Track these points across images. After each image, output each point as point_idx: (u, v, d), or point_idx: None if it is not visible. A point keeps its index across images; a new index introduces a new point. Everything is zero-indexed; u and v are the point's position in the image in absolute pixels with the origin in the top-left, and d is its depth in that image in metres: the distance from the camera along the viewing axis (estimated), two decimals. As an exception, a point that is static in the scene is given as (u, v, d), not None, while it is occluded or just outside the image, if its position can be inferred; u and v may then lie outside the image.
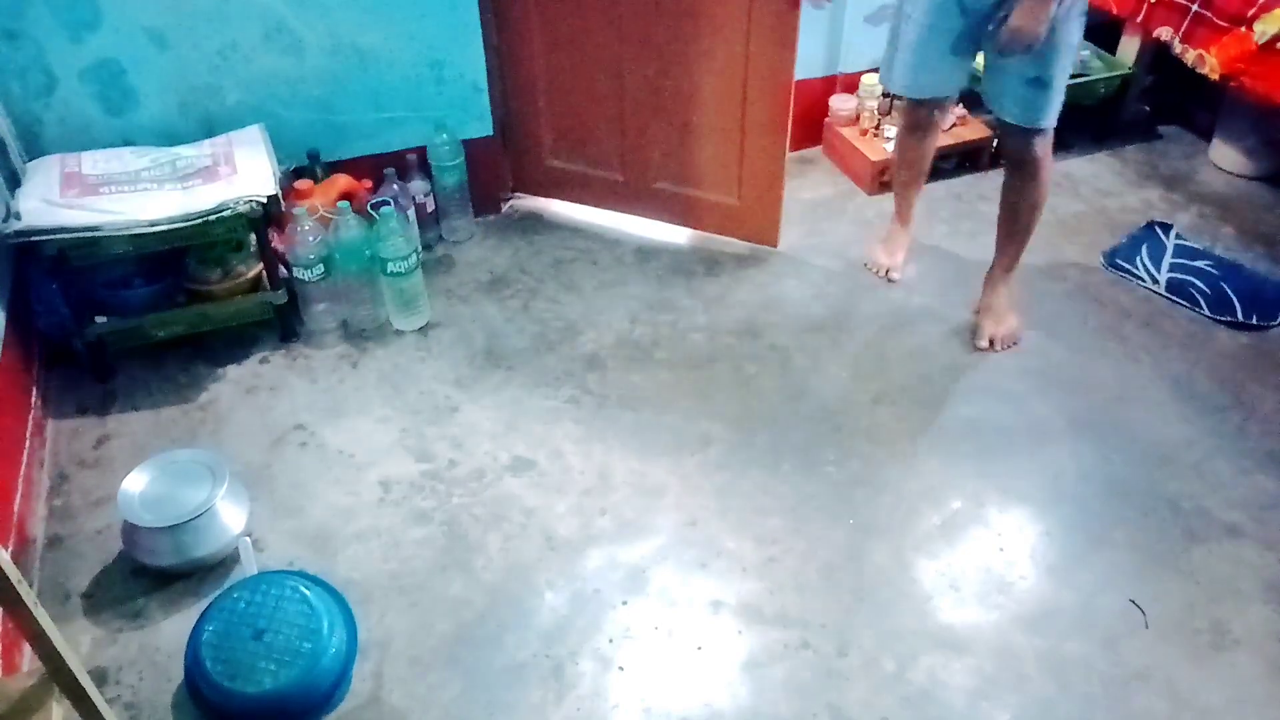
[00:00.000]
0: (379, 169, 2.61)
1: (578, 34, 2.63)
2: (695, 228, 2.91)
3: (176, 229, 2.16)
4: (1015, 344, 2.45)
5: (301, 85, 2.53)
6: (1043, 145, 2.23)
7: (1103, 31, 3.26)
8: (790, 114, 2.64)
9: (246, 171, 2.28)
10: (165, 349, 2.38)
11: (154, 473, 1.88)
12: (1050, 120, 2.20)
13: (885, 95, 3.11)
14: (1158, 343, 2.48)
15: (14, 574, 1.19)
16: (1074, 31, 2.09)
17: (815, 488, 2.09)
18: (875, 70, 3.13)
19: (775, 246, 2.87)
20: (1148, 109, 3.37)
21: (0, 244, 2.17)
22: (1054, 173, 2.37)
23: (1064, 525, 2.01)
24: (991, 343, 2.44)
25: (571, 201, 2.99)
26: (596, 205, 2.96)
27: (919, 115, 2.47)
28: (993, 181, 3.08)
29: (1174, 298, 2.62)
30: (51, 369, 2.34)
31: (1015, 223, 2.37)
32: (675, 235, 2.88)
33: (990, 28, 2.09)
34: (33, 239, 2.07)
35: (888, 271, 2.70)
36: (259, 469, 2.11)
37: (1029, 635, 1.80)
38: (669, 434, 2.22)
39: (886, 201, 3.04)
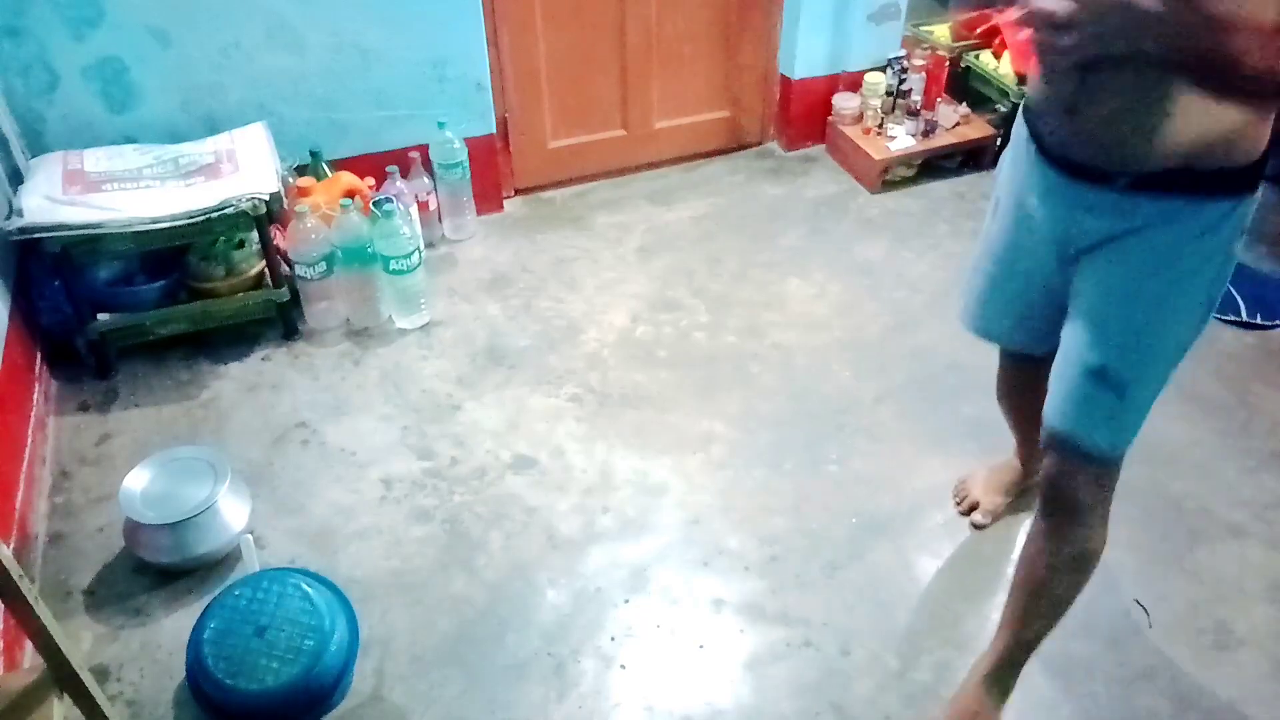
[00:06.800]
0: (381, 167, 2.61)
1: (579, 7, 2.81)
2: (695, 152, 3.22)
3: (179, 226, 2.16)
4: None
5: (304, 83, 2.52)
6: (1095, 481, 1.40)
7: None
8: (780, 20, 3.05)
9: (249, 169, 2.28)
10: (167, 346, 2.38)
11: (156, 470, 1.88)
12: (1116, 442, 1.36)
13: (888, 94, 3.11)
14: (1161, 342, 2.47)
15: (15, 570, 1.19)
16: (1174, 314, 1.31)
17: (817, 486, 2.08)
18: (878, 69, 3.15)
19: (762, 144, 3.30)
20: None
21: (3, 241, 2.17)
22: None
23: (1067, 524, 2.00)
24: None
25: (574, 182, 3.11)
26: (599, 170, 3.13)
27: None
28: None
29: (1178, 297, 2.61)
30: (54, 366, 2.34)
31: (1029, 588, 1.50)
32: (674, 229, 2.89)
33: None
34: (35, 236, 2.06)
35: (971, 507, 2.03)
36: (261, 466, 2.11)
37: (1032, 634, 1.79)
38: (671, 433, 2.21)
39: (889, 200, 3.05)
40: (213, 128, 2.45)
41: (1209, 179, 1.22)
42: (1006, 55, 3.14)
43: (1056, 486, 1.41)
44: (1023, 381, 1.74)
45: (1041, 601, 1.49)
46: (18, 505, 1.90)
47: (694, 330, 2.52)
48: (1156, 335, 1.31)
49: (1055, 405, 1.38)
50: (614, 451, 2.16)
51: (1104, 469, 1.39)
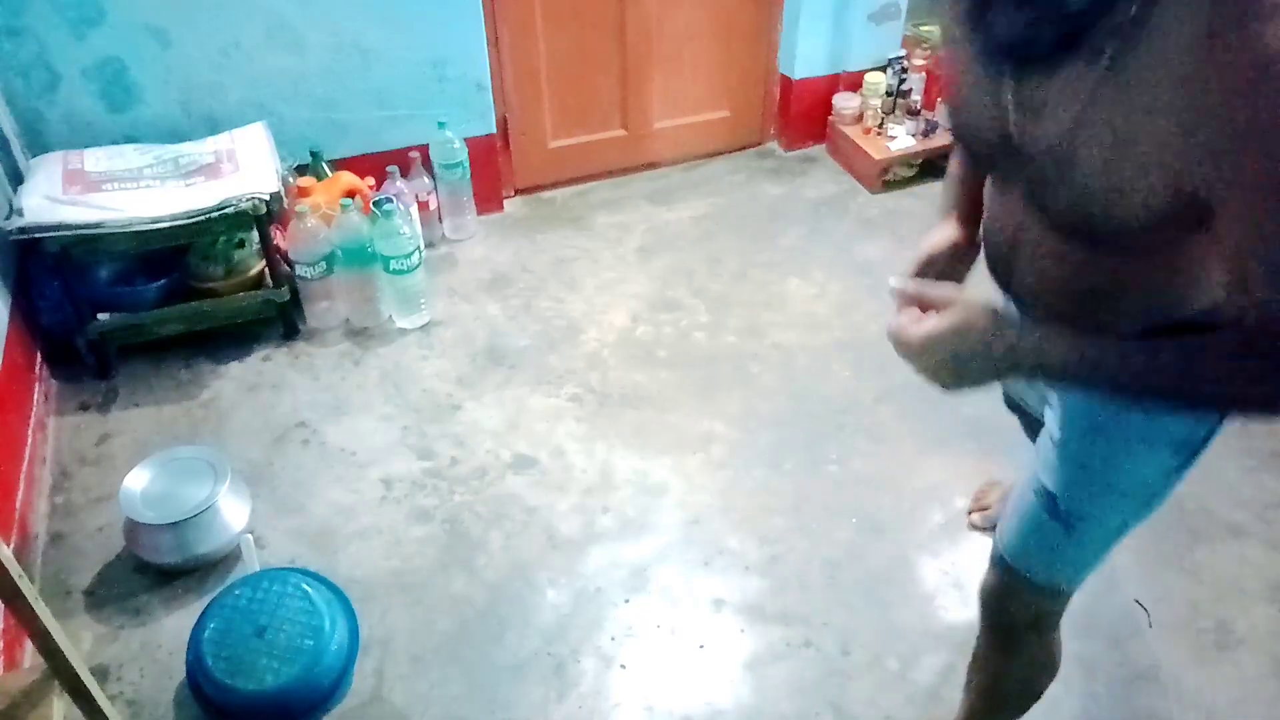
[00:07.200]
0: (381, 166, 2.61)
1: (579, 8, 2.81)
2: (694, 152, 3.23)
3: (179, 226, 2.16)
4: None
5: (304, 83, 2.52)
6: (1032, 608, 1.27)
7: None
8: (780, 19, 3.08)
9: (249, 169, 2.28)
10: (167, 346, 2.38)
11: (156, 470, 1.88)
12: (1054, 578, 1.22)
13: (888, 94, 3.11)
14: (1161, 342, 2.47)
15: (16, 570, 1.19)
16: (1136, 455, 1.12)
17: (818, 486, 2.08)
18: (878, 68, 3.15)
19: (762, 144, 3.31)
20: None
21: (3, 241, 2.17)
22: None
23: (1067, 524, 2.00)
24: None
25: (574, 182, 3.11)
26: (599, 170, 3.14)
27: None
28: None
29: (1178, 297, 2.61)
30: (54, 366, 2.34)
31: (981, 697, 1.45)
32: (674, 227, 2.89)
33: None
34: (35, 236, 2.06)
35: (979, 509, 2.03)
36: (261, 466, 2.11)
37: (1032, 634, 1.79)
38: (671, 432, 2.21)
39: (889, 200, 3.05)
40: (213, 127, 2.45)
41: (1191, 325, 0.99)
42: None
43: (990, 603, 1.30)
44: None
45: (996, 711, 1.45)
46: (18, 505, 1.90)
47: (694, 330, 2.52)
48: (1115, 469, 1.13)
49: (1003, 520, 1.25)
50: (614, 451, 2.16)
51: (1041, 599, 1.25)
